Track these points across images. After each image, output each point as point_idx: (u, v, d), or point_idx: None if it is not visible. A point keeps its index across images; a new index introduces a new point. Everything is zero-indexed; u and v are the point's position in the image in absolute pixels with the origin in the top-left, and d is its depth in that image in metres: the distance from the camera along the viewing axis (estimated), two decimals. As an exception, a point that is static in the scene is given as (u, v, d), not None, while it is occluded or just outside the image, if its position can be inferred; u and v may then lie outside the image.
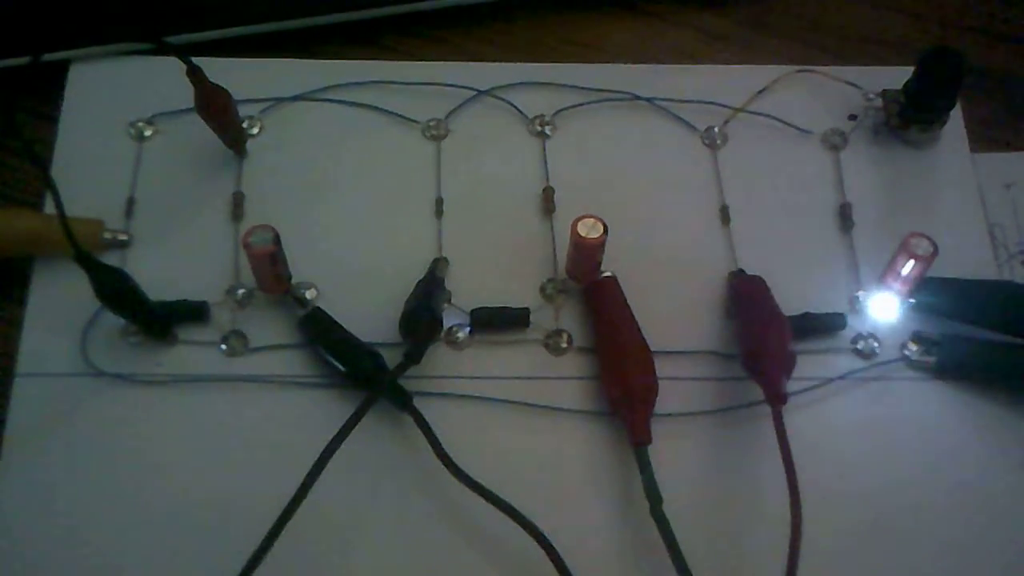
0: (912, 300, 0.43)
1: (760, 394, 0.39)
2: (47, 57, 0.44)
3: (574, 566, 0.36)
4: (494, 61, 0.50)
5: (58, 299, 0.42)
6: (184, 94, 0.42)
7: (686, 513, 0.38)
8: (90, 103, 0.47)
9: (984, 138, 0.49)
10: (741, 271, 0.44)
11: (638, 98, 0.48)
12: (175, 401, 0.41)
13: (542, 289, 0.44)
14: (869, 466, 0.41)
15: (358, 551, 0.39)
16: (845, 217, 0.46)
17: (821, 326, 0.43)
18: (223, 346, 0.42)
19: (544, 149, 0.47)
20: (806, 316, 0.43)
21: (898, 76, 0.47)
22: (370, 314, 0.42)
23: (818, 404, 0.42)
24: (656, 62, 0.50)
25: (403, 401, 0.40)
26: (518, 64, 0.49)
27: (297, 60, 0.49)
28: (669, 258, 0.44)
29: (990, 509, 0.40)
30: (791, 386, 0.39)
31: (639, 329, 0.41)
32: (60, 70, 0.47)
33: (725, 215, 0.45)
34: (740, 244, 0.45)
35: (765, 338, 0.40)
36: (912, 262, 0.41)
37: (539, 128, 0.47)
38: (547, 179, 0.46)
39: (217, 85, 0.42)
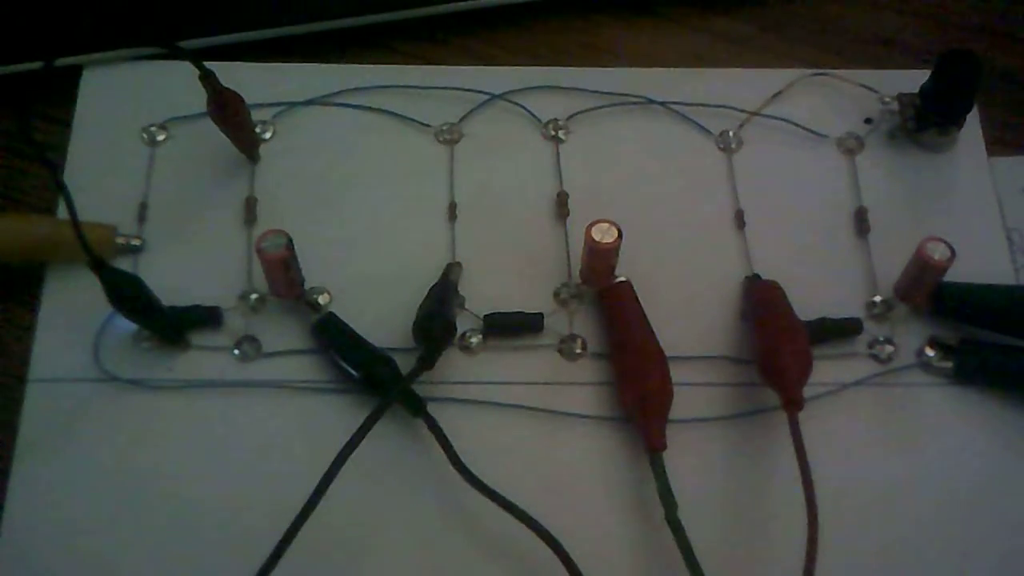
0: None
1: (776, 400, 0.39)
2: (60, 62, 0.44)
3: (588, 572, 0.36)
4: (507, 65, 0.49)
5: (71, 304, 0.42)
6: (197, 99, 0.42)
7: (701, 519, 0.37)
8: (103, 108, 0.47)
9: (1001, 141, 0.48)
10: (756, 276, 0.44)
11: (652, 102, 0.48)
12: (188, 406, 0.40)
13: (556, 294, 0.43)
14: (886, 472, 0.40)
15: (371, 557, 0.38)
16: (861, 221, 0.45)
17: (837, 331, 0.43)
18: (236, 351, 0.42)
19: (558, 153, 0.47)
20: (822, 321, 0.42)
21: (914, 79, 0.47)
22: (383, 319, 0.42)
23: (834, 410, 0.41)
24: (670, 66, 0.50)
25: (417, 406, 0.39)
26: (532, 68, 0.49)
27: (310, 64, 0.49)
28: (684, 263, 0.44)
29: (1009, 515, 0.40)
30: (807, 391, 0.39)
31: (654, 334, 0.41)
32: (73, 75, 0.47)
33: (740, 220, 0.45)
34: (755, 249, 0.45)
35: (781, 343, 0.40)
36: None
37: (553, 132, 0.47)
38: (561, 183, 0.46)
39: (230, 90, 0.42)
